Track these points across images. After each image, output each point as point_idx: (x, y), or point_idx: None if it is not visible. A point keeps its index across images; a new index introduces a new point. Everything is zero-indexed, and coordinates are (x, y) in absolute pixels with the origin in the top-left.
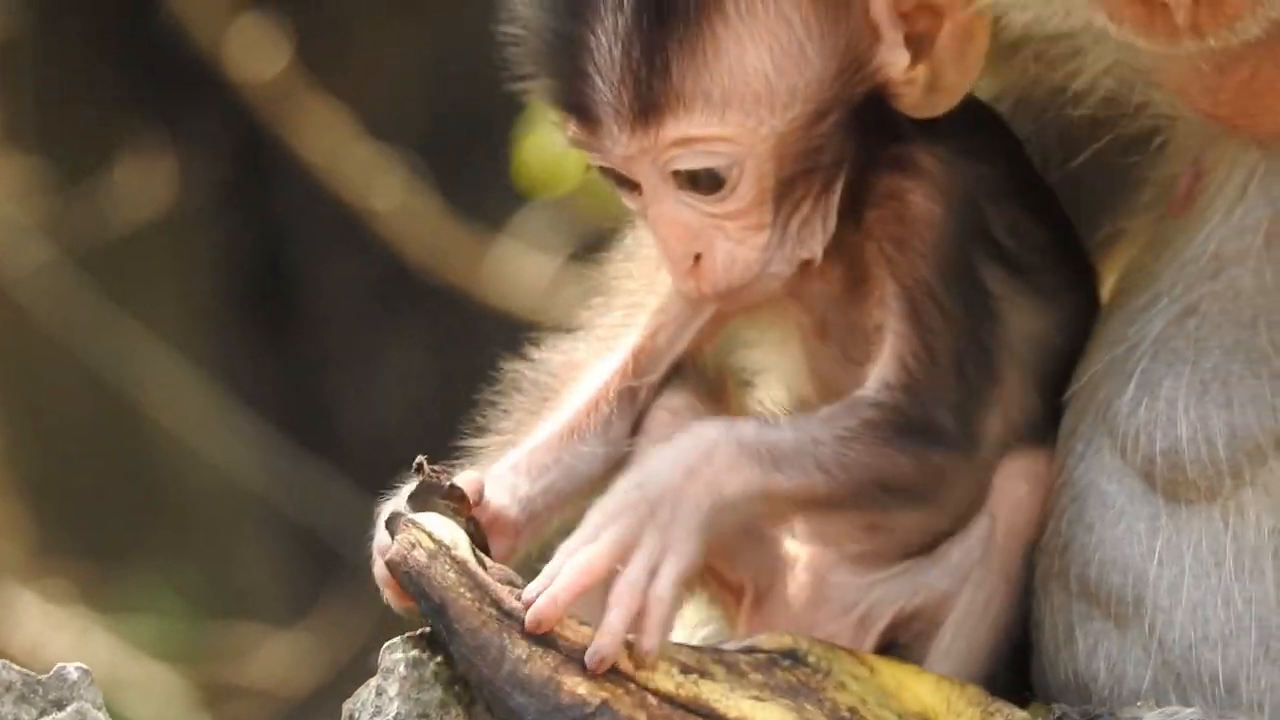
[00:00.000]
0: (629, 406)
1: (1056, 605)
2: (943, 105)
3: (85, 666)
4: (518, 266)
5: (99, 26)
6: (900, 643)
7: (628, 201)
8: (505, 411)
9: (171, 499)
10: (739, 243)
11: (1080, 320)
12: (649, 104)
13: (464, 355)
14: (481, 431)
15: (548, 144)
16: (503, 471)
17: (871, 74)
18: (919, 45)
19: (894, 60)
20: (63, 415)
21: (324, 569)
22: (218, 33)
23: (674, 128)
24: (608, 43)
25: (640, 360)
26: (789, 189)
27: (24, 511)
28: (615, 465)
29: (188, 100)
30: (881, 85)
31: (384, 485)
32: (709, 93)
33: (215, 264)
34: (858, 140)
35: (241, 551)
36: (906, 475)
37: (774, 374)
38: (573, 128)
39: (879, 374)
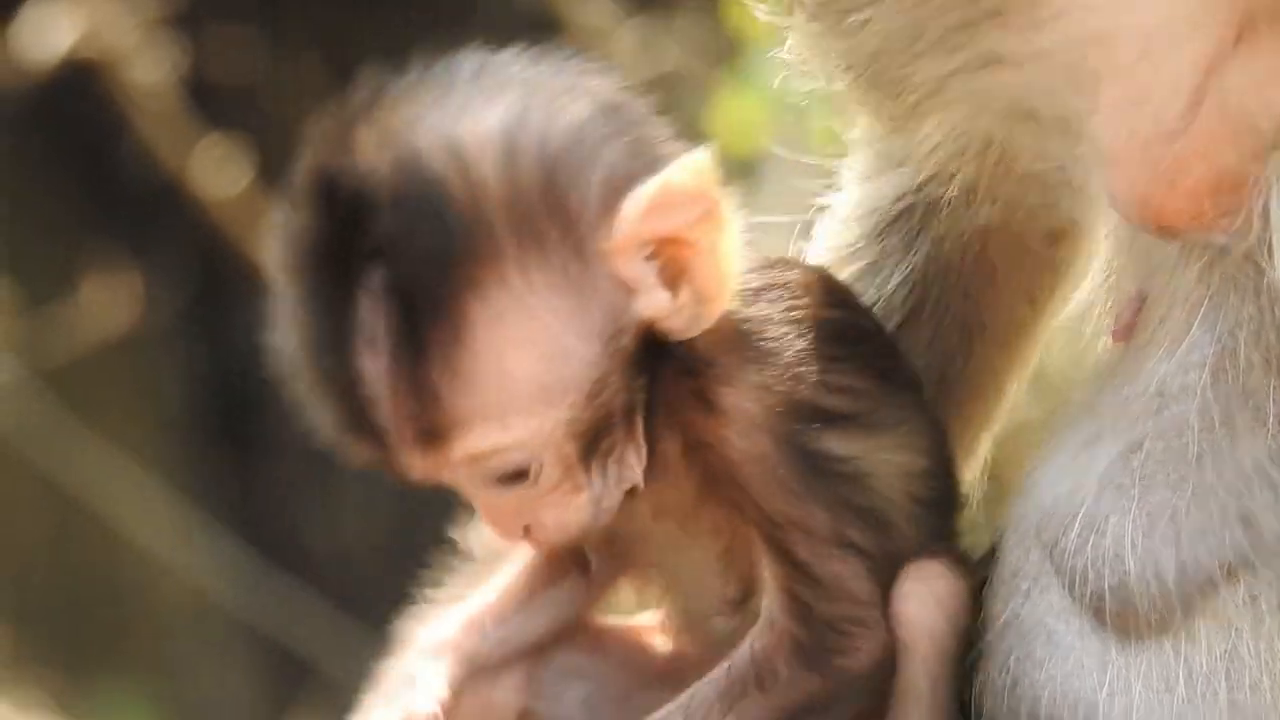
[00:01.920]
0: (577, 588)
1: None
2: (707, 318)
3: None
4: None
5: (63, 149)
6: None
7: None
8: (450, 583)
9: (140, 613)
10: (562, 508)
11: (933, 433)
12: (428, 433)
13: None
14: (439, 574)
15: None
16: (448, 632)
17: (636, 325)
18: (672, 274)
19: (654, 303)
20: (30, 531)
21: (293, 681)
22: (181, 155)
23: (460, 448)
24: (374, 381)
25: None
26: (594, 448)
27: None
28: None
29: (151, 220)
30: (647, 327)
31: (352, 599)
32: (484, 410)
33: (180, 382)
34: (643, 376)
35: (211, 665)
36: (816, 694)
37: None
38: (365, 450)
39: (765, 611)
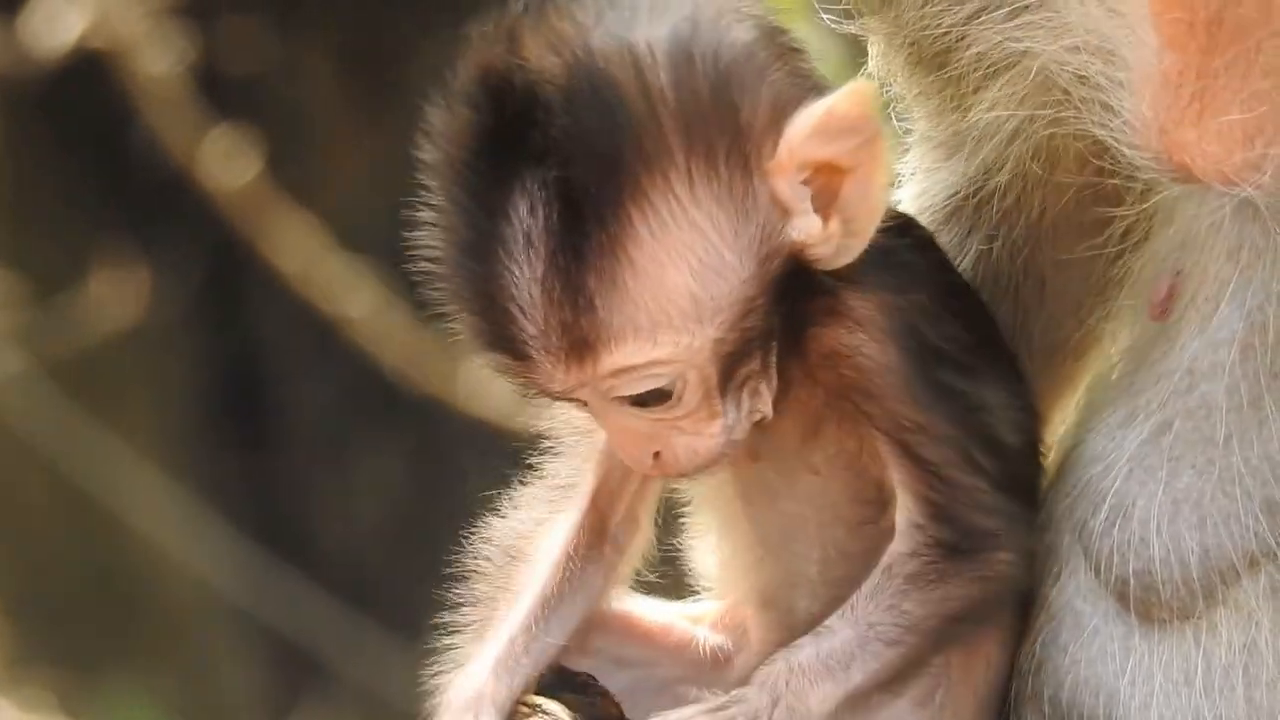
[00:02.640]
0: (599, 557)
1: None
2: (857, 249)
3: None
4: (491, 375)
5: (72, 140)
6: None
7: (574, 410)
8: (475, 595)
9: (148, 608)
10: (696, 435)
11: (1020, 413)
12: (578, 343)
13: (438, 463)
14: (461, 582)
15: None
16: (480, 681)
17: (787, 248)
18: (824, 202)
19: (807, 228)
20: (38, 525)
21: (301, 676)
22: (190, 145)
23: (609, 361)
24: (527, 286)
25: (599, 504)
26: (733, 374)
27: (0, 621)
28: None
29: (160, 212)
30: (797, 252)
31: (361, 594)
32: (637, 322)
33: (188, 374)
34: (784, 304)
35: (219, 659)
36: (974, 597)
37: (707, 521)
38: (505, 362)
39: (904, 519)
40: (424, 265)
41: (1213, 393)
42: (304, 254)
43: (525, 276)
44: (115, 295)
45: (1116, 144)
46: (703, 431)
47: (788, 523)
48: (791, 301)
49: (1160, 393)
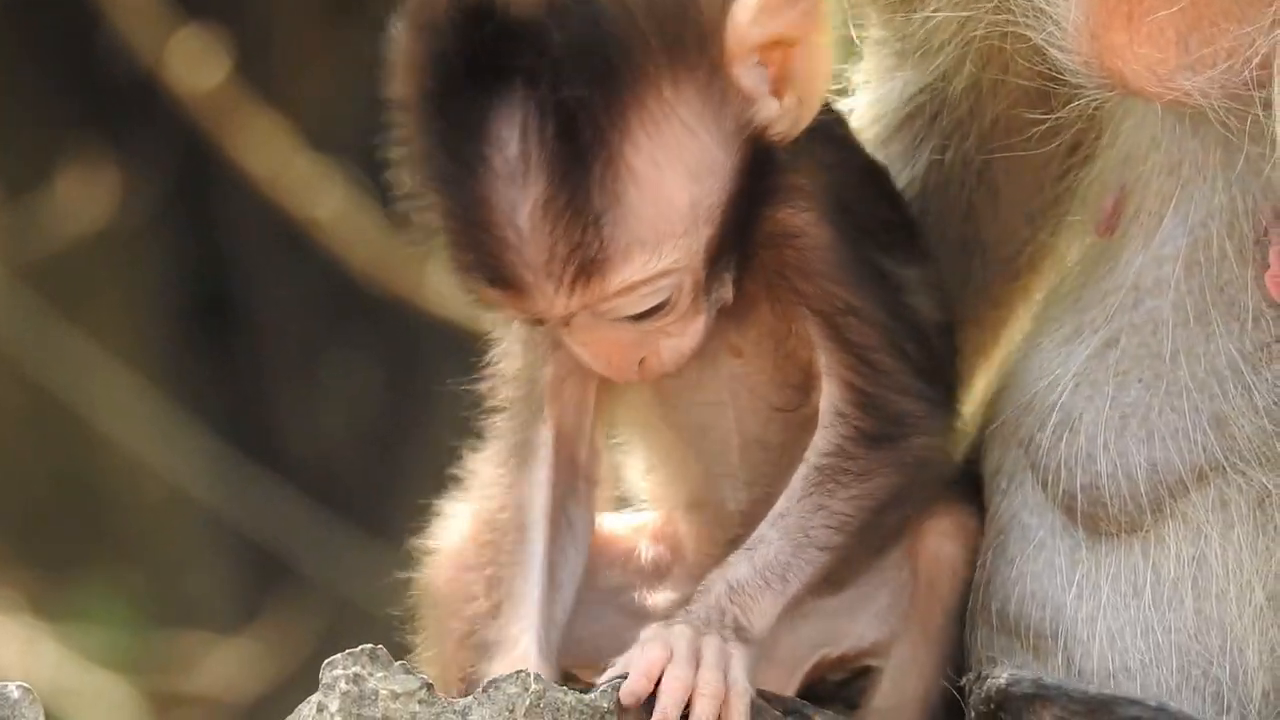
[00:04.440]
0: (577, 496)
1: (981, 638)
2: (806, 119)
3: (27, 685)
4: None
5: (38, 41)
6: (836, 683)
7: (545, 332)
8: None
9: (118, 509)
10: (681, 336)
11: (937, 291)
12: (585, 265)
13: (408, 365)
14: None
15: None
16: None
17: (755, 131)
18: (779, 77)
19: (768, 108)
20: (6, 429)
21: (270, 578)
22: (157, 46)
23: (616, 280)
24: (528, 212)
25: (563, 447)
26: (715, 271)
27: None
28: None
29: (128, 113)
30: (758, 134)
31: (329, 494)
32: (643, 236)
33: (158, 276)
34: (747, 185)
35: (188, 561)
36: (896, 485)
37: (631, 435)
38: (493, 294)
39: (828, 406)
40: (405, 194)
41: (1159, 308)
42: (273, 155)
43: (524, 203)
44: (84, 197)
45: (1051, 49)
46: (687, 331)
47: (705, 416)
48: (750, 183)
49: (1106, 308)
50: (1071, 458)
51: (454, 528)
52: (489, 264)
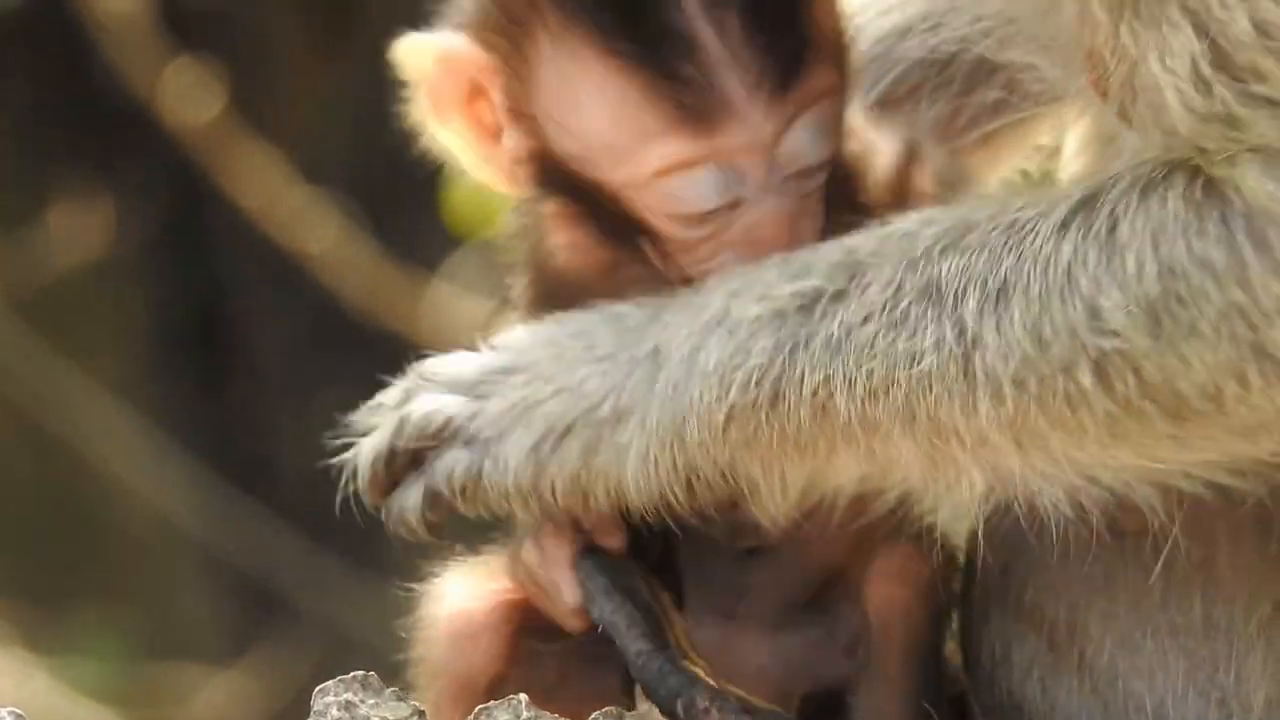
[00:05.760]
0: None
1: (994, 628)
2: None
3: (20, 711)
4: (452, 308)
5: (32, 73)
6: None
7: (690, 229)
8: None
9: (110, 542)
10: (815, 217)
11: None
12: (788, 70)
13: None
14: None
15: (477, 186)
16: None
17: None
18: None
19: None
20: None
21: (262, 609)
22: (151, 79)
23: (817, 83)
24: (734, 26)
25: None
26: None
27: None
28: None
29: (122, 145)
30: None
31: (320, 526)
32: (827, 47)
33: (151, 308)
34: None
35: (180, 593)
36: None
37: None
38: (699, 135)
39: None
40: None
41: None
42: (266, 187)
43: (728, 20)
44: (77, 228)
45: None
46: (819, 212)
47: None
48: None
49: None
50: None
51: (452, 596)
52: (697, 96)
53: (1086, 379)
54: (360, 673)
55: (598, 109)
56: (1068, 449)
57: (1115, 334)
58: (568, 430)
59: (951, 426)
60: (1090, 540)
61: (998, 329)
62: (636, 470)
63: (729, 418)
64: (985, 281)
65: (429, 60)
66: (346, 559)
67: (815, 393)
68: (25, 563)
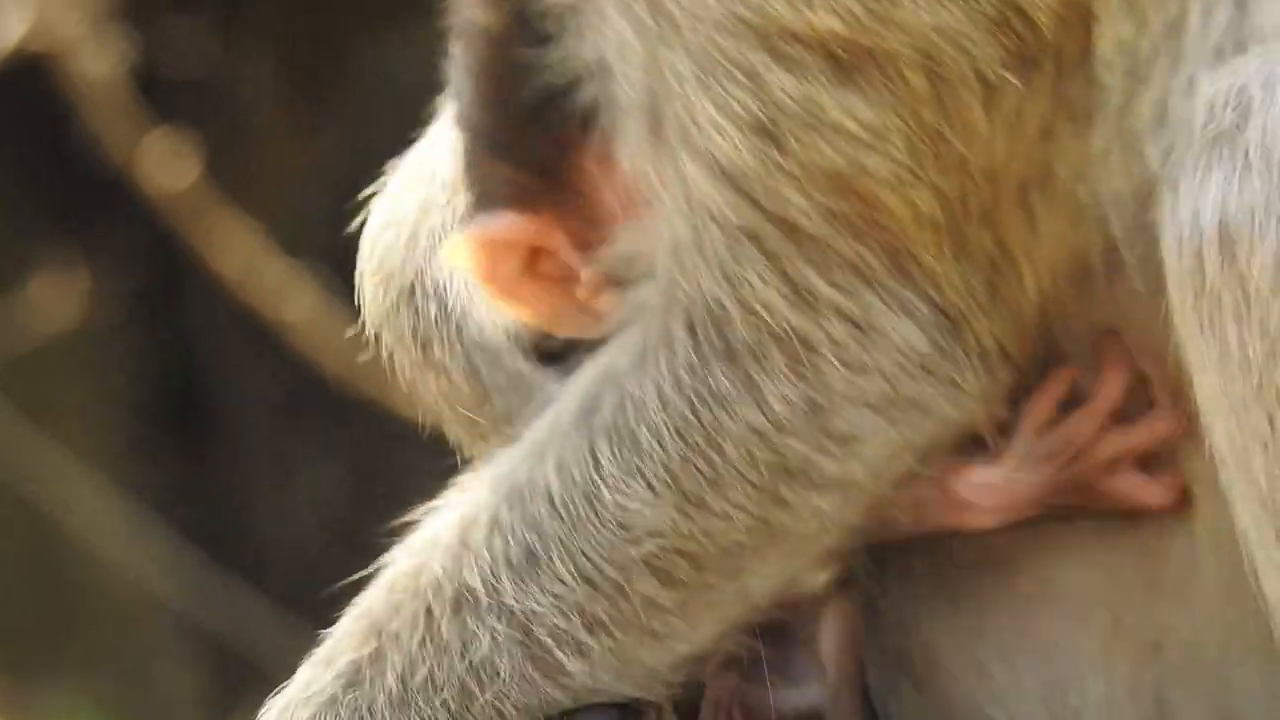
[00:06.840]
0: None
1: (875, 678)
2: None
3: None
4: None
5: (11, 142)
6: None
7: None
8: None
9: (88, 612)
10: None
11: None
12: None
13: (378, 467)
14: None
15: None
16: None
17: None
18: None
19: None
20: None
21: (240, 681)
22: (128, 147)
23: None
24: None
25: None
26: None
27: None
28: None
29: (100, 214)
30: None
31: (300, 597)
32: None
33: (129, 377)
34: None
35: (159, 664)
36: None
37: None
38: None
39: None
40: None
41: None
42: (244, 257)
43: None
44: (55, 298)
45: None
46: None
47: None
48: None
49: None
50: None
51: None
52: None
53: (647, 586)
54: None
55: None
56: (674, 643)
57: (651, 535)
58: None
59: (559, 673)
60: (927, 568)
61: (542, 593)
62: None
63: None
64: (509, 559)
65: (477, 251)
66: (325, 630)
67: None
68: (2, 632)
